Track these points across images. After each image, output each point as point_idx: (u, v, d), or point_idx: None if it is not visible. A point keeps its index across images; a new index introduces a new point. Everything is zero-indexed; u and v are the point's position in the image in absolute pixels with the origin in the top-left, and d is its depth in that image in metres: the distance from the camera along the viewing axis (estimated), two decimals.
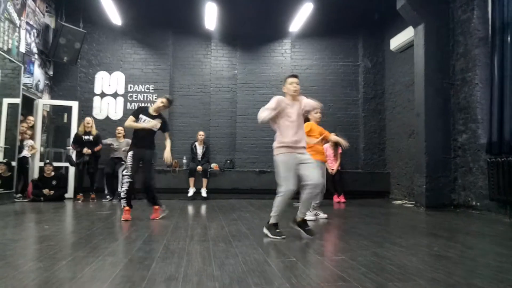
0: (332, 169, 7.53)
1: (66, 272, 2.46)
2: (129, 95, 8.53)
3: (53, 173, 7.12)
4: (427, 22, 6.36)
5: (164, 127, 5.06)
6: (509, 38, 5.13)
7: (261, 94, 8.64)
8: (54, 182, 7.09)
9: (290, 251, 3.15)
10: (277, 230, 3.66)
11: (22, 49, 6.96)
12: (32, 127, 7.47)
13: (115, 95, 8.53)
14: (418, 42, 6.54)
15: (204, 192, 7.73)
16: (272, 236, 3.62)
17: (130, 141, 5.23)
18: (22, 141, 7.11)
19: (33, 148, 7.36)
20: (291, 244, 3.42)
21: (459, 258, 2.89)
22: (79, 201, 7.01)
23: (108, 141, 7.72)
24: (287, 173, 3.61)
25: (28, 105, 7.45)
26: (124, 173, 4.82)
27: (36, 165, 7.54)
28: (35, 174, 7.45)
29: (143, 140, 4.90)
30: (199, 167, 7.83)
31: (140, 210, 5.08)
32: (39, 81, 7.71)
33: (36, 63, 7.55)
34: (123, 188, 4.84)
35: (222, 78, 8.82)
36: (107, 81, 8.54)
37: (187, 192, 7.71)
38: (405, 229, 4.47)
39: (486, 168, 5.39)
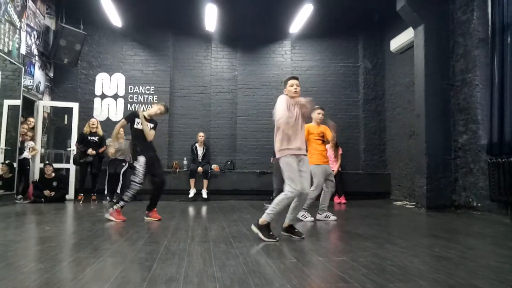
0: (333, 170, 7.52)
1: (67, 273, 2.47)
2: (129, 96, 8.54)
3: (53, 174, 7.12)
4: (427, 23, 6.37)
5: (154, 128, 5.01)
6: (509, 39, 5.13)
7: (261, 95, 8.66)
8: (54, 183, 7.09)
9: (291, 252, 3.15)
10: (271, 233, 3.60)
11: (23, 50, 6.97)
12: (33, 129, 7.48)
13: (115, 96, 8.54)
14: (418, 43, 6.54)
15: (204, 193, 7.74)
16: (266, 239, 3.54)
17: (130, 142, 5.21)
18: (22, 142, 7.12)
19: (34, 149, 7.37)
20: (291, 245, 3.42)
21: (459, 259, 2.89)
22: (80, 202, 7.02)
23: (108, 142, 7.67)
24: (293, 174, 3.59)
25: (29, 107, 7.47)
26: (132, 178, 4.75)
27: (36, 166, 7.55)
28: (36, 176, 7.46)
29: (150, 145, 4.85)
30: (200, 168, 7.84)
31: (141, 211, 5.08)
32: (39, 82, 7.72)
33: (37, 64, 7.56)
34: (130, 192, 4.72)
35: (222, 79, 8.83)
36: (108, 83, 8.55)
37: (188, 193, 7.72)
38: (406, 230, 4.47)
39: (486, 169, 5.38)
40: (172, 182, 7.90)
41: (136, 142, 4.86)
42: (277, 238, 3.57)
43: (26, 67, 7.11)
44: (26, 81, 7.09)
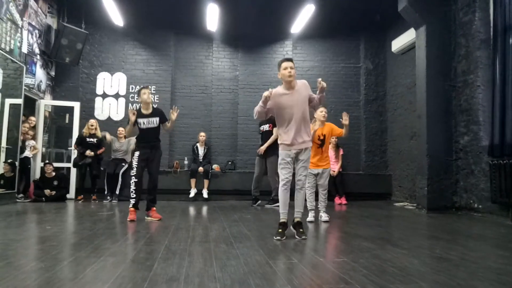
0: (334, 171, 7.51)
1: (67, 272, 2.47)
2: (130, 96, 8.55)
3: (53, 173, 7.13)
4: (428, 24, 6.36)
5: (162, 119, 5.02)
6: (511, 40, 5.12)
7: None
8: (55, 183, 7.10)
9: (292, 252, 3.15)
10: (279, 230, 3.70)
11: (24, 49, 6.98)
12: (34, 128, 7.49)
13: (116, 96, 8.54)
14: (420, 44, 6.53)
15: (205, 193, 7.73)
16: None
17: (131, 141, 5.23)
18: (24, 141, 7.13)
19: (35, 148, 7.38)
20: (292, 245, 3.42)
21: (460, 261, 2.88)
22: (80, 202, 7.02)
23: (108, 136, 7.63)
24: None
25: (30, 106, 7.47)
26: (131, 174, 4.86)
27: (37, 165, 7.56)
28: (37, 175, 7.47)
29: (148, 140, 4.92)
30: (201, 168, 7.83)
31: (141, 211, 5.08)
32: (41, 81, 7.73)
33: (38, 63, 7.57)
34: (131, 187, 4.83)
35: (223, 79, 8.84)
36: (109, 82, 8.55)
37: (189, 193, 7.72)
38: (407, 231, 4.46)
39: (488, 170, 5.37)
40: (172, 182, 7.92)
41: (137, 137, 5.04)
42: (279, 238, 3.61)
43: (28, 66, 7.11)
44: (27, 80, 7.10)
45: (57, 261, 2.72)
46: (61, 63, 8.04)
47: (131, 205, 4.81)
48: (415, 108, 6.92)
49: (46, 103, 7.88)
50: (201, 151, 8.17)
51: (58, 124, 8.39)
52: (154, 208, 4.97)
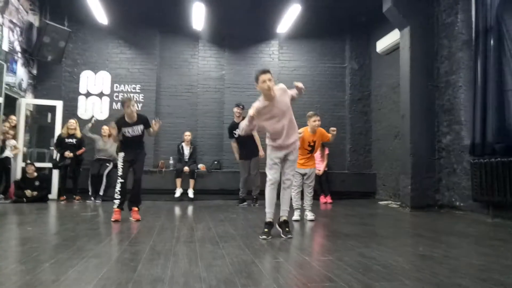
0: (319, 170, 7.56)
1: (49, 274, 2.42)
2: (115, 95, 8.43)
3: (35, 174, 6.99)
4: (412, 25, 6.45)
5: (146, 126, 5.01)
6: (492, 42, 5.23)
7: (249, 95, 8.61)
8: (37, 183, 6.96)
9: (278, 251, 3.16)
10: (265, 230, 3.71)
11: (5, 47, 6.81)
12: (15, 127, 7.30)
13: (100, 95, 8.41)
14: (404, 44, 6.62)
15: (191, 193, 7.68)
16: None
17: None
18: (4, 141, 6.95)
19: (16, 148, 7.20)
20: (278, 244, 3.42)
21: (443, 258, 2.93)
22: (62, 202, 6.90)
23: (91, 135, 7.54)
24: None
25: (11, 105, 7.29)
26: (118, 174, 4.86)
27: (18, 165, 7.38)
28: (18, 175, 7.30)
29: (132, 146, 4.97)
30: (186, 168, 7.78)
31: (126, 212, 5.01)
32: (22, 80, 7.55)
33: (19, 61, 7.40)
34: (116, 188, 4.83)
35: (209, 78, 8.79)
36: (93, 81, 8.42)
37: (174, 193, 7.65)
38: (391, 230, 4.52)
39: (469, 169, 5.48)
40: (158, 181, 7.83)
41: (121, 141, 5.02)
42: (264, 237, 3.61)
43: (8, 64, 6.94)
44: (8, 78, 6.93)
45: (38, 263, 2.66)
46: (43, 61, 7.86)
47: (115, 206, 4.77)
48: (399, 108, 7.01)
49: (27, 102, 7.70)
50: (186, 150, 8.11)
51: (39, 124, 8.22)
52: (136, 209, 4.93)
